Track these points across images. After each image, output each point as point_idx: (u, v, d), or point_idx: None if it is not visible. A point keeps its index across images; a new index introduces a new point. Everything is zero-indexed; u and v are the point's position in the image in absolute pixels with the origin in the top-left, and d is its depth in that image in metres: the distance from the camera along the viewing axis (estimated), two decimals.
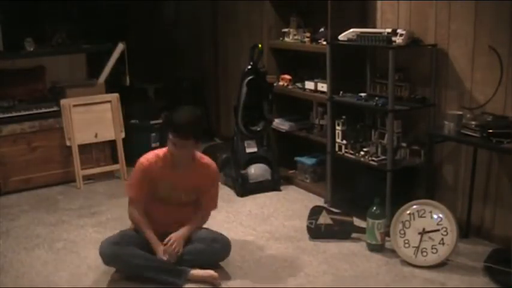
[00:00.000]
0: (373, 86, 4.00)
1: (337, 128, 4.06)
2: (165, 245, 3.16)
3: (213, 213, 4.09)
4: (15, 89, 4.83)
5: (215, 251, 3.26)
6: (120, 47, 4.91)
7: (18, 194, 4.61)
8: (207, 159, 3.36)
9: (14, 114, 4.62)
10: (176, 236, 3.18)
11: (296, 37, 4.66)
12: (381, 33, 3.68)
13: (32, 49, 4.89)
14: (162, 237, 3.21)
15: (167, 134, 3.16)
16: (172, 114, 3.19)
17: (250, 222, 3.98)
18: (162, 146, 5.01)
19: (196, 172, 3.28)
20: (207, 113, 6.45)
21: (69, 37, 5.19)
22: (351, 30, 3.89)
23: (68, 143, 4.77)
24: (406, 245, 3.33)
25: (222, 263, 3.33)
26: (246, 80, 4.50)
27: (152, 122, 5.23)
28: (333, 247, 3.55)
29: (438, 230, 3.27)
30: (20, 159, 4.64)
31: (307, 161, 4.65)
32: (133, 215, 3.25)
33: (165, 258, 3.12)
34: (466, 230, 3.61)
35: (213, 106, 6.38)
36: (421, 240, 3.29)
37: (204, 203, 3.35)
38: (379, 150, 3.89)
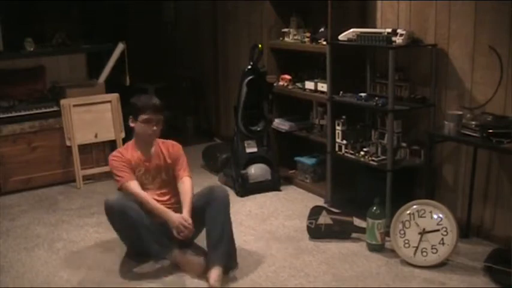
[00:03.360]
0: (373, 86, 4.01)
1: (337, 128, 4.06)
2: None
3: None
4: (15, 89, 4.83)
5: (217, 197, 3.34)
6: (120, 47, 4.91)
7: (18, 194, 4.61)
8: (168, 140, 3.57)
9: (14, 114, 4.63)
10: (189, 217, 3.24)
11: (296, 37, 4.66)
12: (381, 33, 3.68)
13: (32, 49, 4.89)
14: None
15: (137, 120, 3.36)
16: (138, 100, 3.40)
17: (250, 222, 3.98)
18: None
19: (164, 152, 3.48)
20: (207, 113, 6.45)
21: (69, 37, 5.19)
22: (351, 30, 3.89)
23: (68, 143, 4.77)
24: (406, 245, 3.33)
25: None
26: (246, 80, 4.50)
27: None
28: (333, 247, 3.55)
29: (438, 230, 3.27)
30: (20, 159, 4.64)
31: (307, 161, 4.65)
32: (134, 191, 3.30)
33: (179, 237, 3.21)
34: (466, 230, 3.61)
35: (213, 106, 6.39)
36: (421, 240, 3.29)
37: (177, 174, 3.47)
38: (379, 150, 3.89)
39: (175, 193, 3.46)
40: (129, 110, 3.48)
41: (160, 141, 3.51)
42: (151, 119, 3.34)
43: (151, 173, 3.44)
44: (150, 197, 3.32)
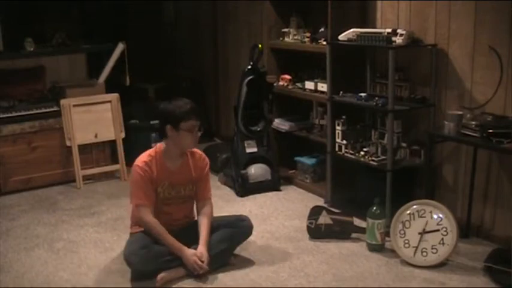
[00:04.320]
0: (373, 86, 4.01)
1: (337, 128, 4.06)
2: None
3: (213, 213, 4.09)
4: (15, 89, 4.83)
5: (245, 229, 3.34)
6: (120, 47, 4.91)
7: (18, 194, 4.61)
8: (196, 150, 3.36)
9: (14, 114, 4.62)
10: (205, 253, 3.13)
11: (296, 37, 4.66)
12: (381, 33, 3.68)
13: (32, 49, 4.89)
14: (172, 234, 3.19)
15: (178, 129, 3.10)
16: (175, 107, 3.13)
17: None
18: None
19: (191, 164, 3.29)
20: (207, 113, 6.45)
21: (69, 37, 5.20)
22: (351, 30, 3.89)
23: (68, 143, 4.77)
24: (406, 245, 3.33)
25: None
26: (246, 80, 4.50)
27: (152, 122, 5.23)
28: (333, 247, 3.55)
29: (438, 230, 3.27)
30: (20, 159, 4.64)
31: (307, 161, 4.65)
32: (146, 219, 3.16)
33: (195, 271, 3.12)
34: (466, 230, 3.61)
35: (213, 106, 6.38)
36: (421, 240, 3.29)
37: (200, 194, 3.34)
38: (379, 150, 3.89)
39: (192, 209, 3.35)
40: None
41: (189, 150, 3.31)
42: (195, 125, 3.12)
43: (175, 187, 3.25)
44: (163, 230, 3.14)
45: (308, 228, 3.69)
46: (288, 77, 4.72)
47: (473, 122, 3.30)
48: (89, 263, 3.41)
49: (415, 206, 3.39)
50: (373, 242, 3.47)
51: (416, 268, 3.24)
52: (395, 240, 3.37)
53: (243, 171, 4.51)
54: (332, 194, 4.20)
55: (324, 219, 3.65)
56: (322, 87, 4.27)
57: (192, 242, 3.19)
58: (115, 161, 5.02)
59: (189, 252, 3.11)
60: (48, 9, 6.07)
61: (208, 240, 3.19)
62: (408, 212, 3.38)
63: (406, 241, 3.33)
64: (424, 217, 3.33)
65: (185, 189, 3.29)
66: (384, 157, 3.77)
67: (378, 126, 3.95)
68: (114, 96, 4.97)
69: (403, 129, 3.84)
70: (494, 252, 3.27)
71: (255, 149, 4.61)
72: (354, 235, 3.65)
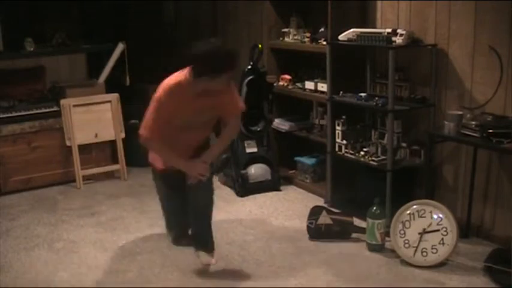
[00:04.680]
0: (373, 86, 4.00)
1: (337, 128, 4.06)
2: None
3: (213, 212, 4.11)
4: (15, 89, 4.83)
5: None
6: (120, 47, 4.91)
7: (18, 194, 4.61)
8: None
9: (14, 114, 4.63)
10: (205, 158, 3.19)
11: (296, 37, 4.66)
12: (380, 33, 3.68)
13: (32, 49, 4.89)
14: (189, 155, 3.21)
15: (205, 78, 2.95)
16: (209, 55, 2.95)
17: (250, 222, 3.98)
18: None
19: (213, 91, 3.10)
20: None
21: (69, 37, 5.19)
22: (351, 30, 3.89)
23: (68, 143, 4.77)
24: (406, 245, 3.33)
25: (222, 263, 3.34)
26: (246, 80, 4.50)
27: None
28: (333, 247, 3.55)
29: (438, 230, 3.27)
30: (20, 159, 4.64)
31: (307, 161, 4.65)
32: (155, 147, 3.22)
33: (192, 181, 3.19)
34: (466, 230, 3.61)
35: None
36: (421, 240, 3.29)
37: (228, 113, 3.28)
38: (379, 150, 3.89)
39: (209, 134, 3.40)
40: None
41: None
42: (231, 74, 2.97)
43: (194, 115, 3.15)
44: (170, 150, 3.17)
45: (308, 228, 3.69)
46: (288, 77, 4.72)
47: (473, 122, 3.30)
48: (89, 263, 3.41)
49: (415, 206, 3.39)
50: (373, 242, 3.47)
51: (416, 268, 3.24)
52: (395, 240, 3.37)
53: (243, 171, 4.51)
54: (332, 194, 4.20)
55: (324, 219, 3.65)
56: (322, 87, 4.27)
57: None
58: (115, 161, 5.02)
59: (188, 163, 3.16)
60: (48, 9, 6.06)
61: (215, 152, 3.28)
62: (408, 212, 3.38)
63: (406, 241, 3.33)
64: (424, 217, 3.33)
65: (205, 116, 3.23)
66: (384, 157, 3.77)
67: (378, 126, 3.95)
68: (114, 96, 4.97)
69: (403, 129, 3.84)
70: (494, 252, 3.27)
71: (255, 149, 4.61)
72: (354, 235, 3.65)
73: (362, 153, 3.91)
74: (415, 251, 3.29)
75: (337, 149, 4.10)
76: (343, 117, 4.06)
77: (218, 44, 3.10)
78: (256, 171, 4.56)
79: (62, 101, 4.74)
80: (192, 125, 3.21)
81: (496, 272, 3.07)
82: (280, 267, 3.32)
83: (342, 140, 4.05)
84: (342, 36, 3.94)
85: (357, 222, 3.69)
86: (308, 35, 4.51)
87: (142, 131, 3.16)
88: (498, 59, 3.35)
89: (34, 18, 5.73)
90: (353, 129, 4.07)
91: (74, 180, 4.79)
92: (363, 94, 3.93)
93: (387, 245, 3.47)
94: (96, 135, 4.90)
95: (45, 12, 5.98)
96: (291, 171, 4.84)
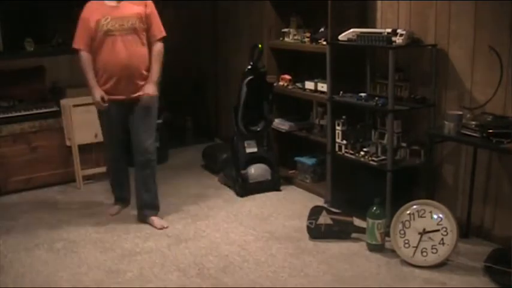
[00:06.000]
0: (373, 86, 4.00)
1: (337, 128, 4.06)
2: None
3: (213, 212, 4.12)
4: (15, 89, 4.83)
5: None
6: None
7: (18, 194, 4.62)
8: None
9: (14, 114, 4.63)
10: (150, 80, 3.79)
11: (296, 37, 4.66)
12: (380, 33, 3.68)
13: (32, 49, 4.89)
14: (125, 76, 3.71)
15: None
16: None
17: (250, 222, 3.98)
18: (162, 145, 5.03)
19: (130, 3, 3.72)
20: (207, 113, 6.45)
21: (69, 37, 5.18)
22: (351, 30, 3.89)
23: (68, 143, 4.77)
24: (406, 245, 3.33)
25: (222, 263, 3.33)
26: (246, 80, 4.50)
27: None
28: (333, 247, 3.55)
29: (438, 230, 3.28)
30: (20, 159, 4.64)
31: (307, 161, 4.65)
32: (83, 60, 3.68)
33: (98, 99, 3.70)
34: (466, 230, 3.61)
35: (213, 106, 6.38)
36: (421, 240, 3.29)
37: (152, 34, 3.85)
38: (379, 150, 3.89)
39: (143, 51, 3.80)
40: None
41: None
42: None
43: (118, 20, 3.65)
44: (91, 70, 3.68)
45: (308, 228, 3.69)
46: (288, 77, 4.72)
47: (473, 122, 3.30)
48: (89, 263, 3.41)
49: (415, 206, 3.39)
50: (373, 242, 3.47)
51: (416, 268, 3.24)
52: (395, 240, 3.37)
53: (243, 171, 4.51)
54: (332, 194, 4.20)
55: (324, 219, 3.65)
56: (322, 87, 4.27)
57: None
58: None
59: (97, 90, 3.69)
60: (48, 9, 6.06)
61: (155, 78, 3.80)
62: (408, 212, 3.38)
63: (406, 241, 3.33)
64: (424, 217, 3.33)
65: (128, 22, 3.68)
66: (384, 157, 3.77)
67: (378, 126, 3.94)
68: None
69: (403, 129, 3.84)
70: (494, 252, 3.28)
71: (255, 149, 4.61)
72: (354, 235, 3.65)
73: (362, 153, 3.91)
74: (415, 251, 3.29)
75: (337, 149, 4.10)
76: (343, 117, 4.06)
77: None
78: (256, 171, 4.56)
79: (62, 101, 4.74)
80: (118, 29, 3.65)
81: (496, 272, 3.07)
82: (280, 267, 3.32)
83: (342, 140, 4.05)
84: (342, 36, 3.94)
85: (357, 222, 3.70)
86: (308, 35, 4.51)
87: (74, 44, 3.71)
88: (498, 59, 3.35)
89: (34, 18, 5.73)
90: (353, 129, 4.07)
91: (74, 180, 4.79)
92: (363, 94, 3.93)
93: (387, 245, 3.47)
94: (96, 135, 4.88)
95: (45, 12, 5.98)
96: (291, 171, 4.84)
